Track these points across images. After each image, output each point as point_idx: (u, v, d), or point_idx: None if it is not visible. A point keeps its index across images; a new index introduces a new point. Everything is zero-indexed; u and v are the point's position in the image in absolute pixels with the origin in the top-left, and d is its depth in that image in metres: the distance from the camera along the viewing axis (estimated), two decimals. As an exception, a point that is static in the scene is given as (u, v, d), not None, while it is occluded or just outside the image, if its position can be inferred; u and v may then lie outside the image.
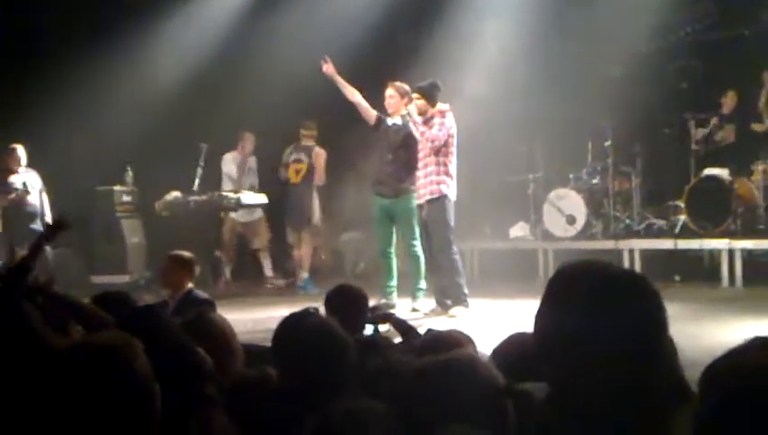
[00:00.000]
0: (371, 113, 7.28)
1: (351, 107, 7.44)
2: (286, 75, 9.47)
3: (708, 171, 8.91)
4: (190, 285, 5.09)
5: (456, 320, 6.48)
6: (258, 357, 2.86)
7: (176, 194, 9.17)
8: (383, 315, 3.75)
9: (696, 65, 10.60)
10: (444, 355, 1.96)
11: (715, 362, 1.40)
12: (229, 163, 9.67)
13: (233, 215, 9.50)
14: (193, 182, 9.10)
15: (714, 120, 9.33)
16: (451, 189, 6.95)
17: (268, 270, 9.63)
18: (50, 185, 8.75)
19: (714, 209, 8.51)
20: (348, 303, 3.57)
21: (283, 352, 2.54)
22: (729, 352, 1.40)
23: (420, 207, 7.03)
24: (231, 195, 9.20)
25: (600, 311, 1.39)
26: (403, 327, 3.61)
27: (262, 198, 9.45)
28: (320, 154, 9.23)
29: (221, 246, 9.64)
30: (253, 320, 6.20)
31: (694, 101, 9.82)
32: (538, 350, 1.44)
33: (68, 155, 9.18)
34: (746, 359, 1.36)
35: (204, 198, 9.07)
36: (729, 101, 9.32)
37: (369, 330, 3.53)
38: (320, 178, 9.26)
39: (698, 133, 9.38)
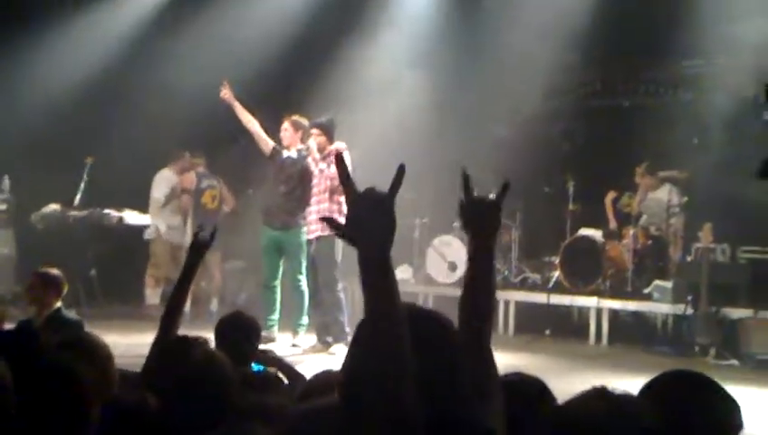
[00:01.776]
0: (267, 143, 7.24)
1: (242, 135, 7.40)
2: (178, 99, 9.29)
3: (583, 231, 9.29)
4: (58, 303, 4.92)
5: (335, 357, 6.45)
6: (130, 382, 2.76)
7: (54, 207, 8.83)
8: (272, 359, 3.68)
9: (579, 129, 11.12)
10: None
11: (553, 408, 1.50)
12: (161, 185, 9.24)
13: (163, 234, 9.14)
14: (74, 197, 8.80)
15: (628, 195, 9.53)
16: (342, 228, 6.92)
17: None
18: None
19: (586, 268, 8.86)
20: (239, 332, 3.50)
21: (167, 379, 2.45)
22: (567, 401, 1.50)
23: (309, 242, 7.01)
24: (113, 212, 8.92)
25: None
26: (291, 373, 3.54)
27: (146, 219, 9.19)
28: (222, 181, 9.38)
29: (152, 267, 9.18)
30: (126, 344, 5.94)
31: (574, 164, 10.26)
32: (339, 386, 1.47)
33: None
34: (578, 404, 1.48)
35: (84, 213, 8.75)
36: (641, 173, 9.26)
37: (256, 367, 3.45)
38: (231, 203, 9.42)
39: (607, 198, 9.64)
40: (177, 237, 9.23)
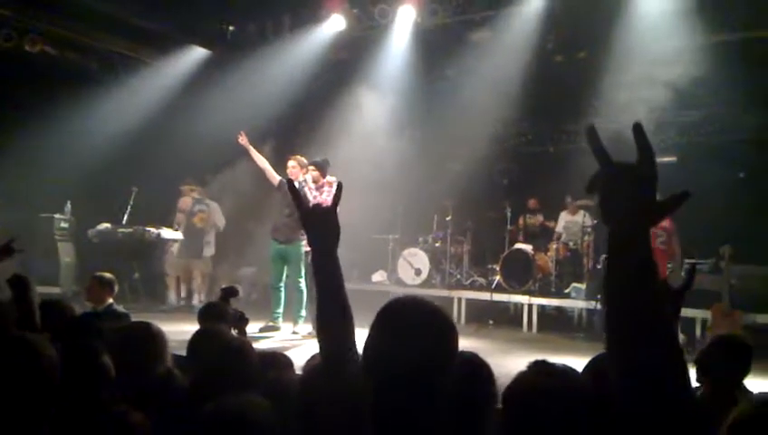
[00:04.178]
0: (275, 177, 7.29)
1: (254, 170, 7.48)
2: (204, 142, 9.32)
3: (517, 245, 9.43)
4: (111, 300, 4.91)
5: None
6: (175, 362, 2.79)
7: (106, 225, 8.79)
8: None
9: (514, 168, 11.31)
10: None
11: (509, 384, 1.51)
12: (179, 206, 9.47)
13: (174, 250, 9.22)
14: (122, 217, 8.80)
15: (528, 216, 10.22)
16: (332, 242, 6.95)
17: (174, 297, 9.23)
18: (5, 213, 8.11)
19: (520, 273, 8.98)
20: (215, 316, 3.61)
21: (199, 357, 2.49)
22: (516, 376, 1.51)
23: (308, 253, 7.05)
24: (153, 230, 8.91)
25: (403, 334, 1.36)
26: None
27: (178, 235, 9.19)
28: (215, 205, 9.32)
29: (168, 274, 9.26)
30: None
31: (510, 194, 10.43)
32: (364, 365, 1.38)
33: (18, 188, 8.54)
34: (525, 378, 1.48)
35: (129, 230, 8.75)
36: (533, 204, 10.37)
37: None
38: (221, 222, 9.34)
39: (520, 220, 10.03)
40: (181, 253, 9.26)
